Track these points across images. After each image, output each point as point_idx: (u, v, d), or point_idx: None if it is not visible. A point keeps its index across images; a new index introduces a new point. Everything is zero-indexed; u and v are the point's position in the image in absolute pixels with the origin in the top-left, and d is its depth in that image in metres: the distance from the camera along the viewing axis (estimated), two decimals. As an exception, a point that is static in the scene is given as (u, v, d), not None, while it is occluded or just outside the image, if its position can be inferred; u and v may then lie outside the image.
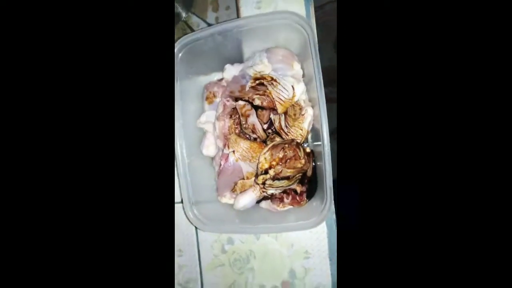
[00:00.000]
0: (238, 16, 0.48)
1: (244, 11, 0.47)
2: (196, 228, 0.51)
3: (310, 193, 0.43)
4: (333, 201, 0.44)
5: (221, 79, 0.45)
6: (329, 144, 0.35)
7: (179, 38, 0.40)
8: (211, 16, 0.60)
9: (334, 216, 0.45)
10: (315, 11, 0.45)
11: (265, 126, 0.41)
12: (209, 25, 0.57)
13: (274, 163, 0.37)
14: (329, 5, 0.77)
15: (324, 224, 0.45)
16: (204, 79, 0.47)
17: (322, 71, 0.35)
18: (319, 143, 0.37)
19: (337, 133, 0.24)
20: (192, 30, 0.58)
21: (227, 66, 0.44)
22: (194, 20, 0.58)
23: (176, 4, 0.59)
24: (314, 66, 0.34)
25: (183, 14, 0.58)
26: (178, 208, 0.51)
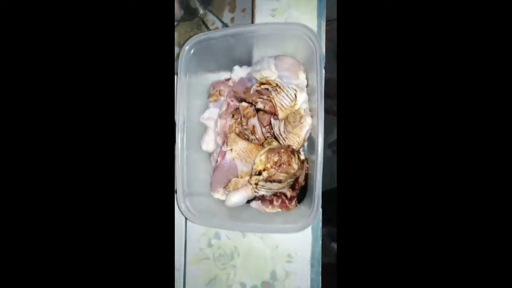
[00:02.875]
0: (252, 20, 0.50)
1: (259, 17, 0.49)
2: (186, 220, 0.52)
3: (300, 199, 0.44)
4: (320, 209, 0.45)
5: (229, 79, 0.46)
6: (323, 154, 0.37)
7: (193, 34, 0.42)
8: (227, 16, 0.61)
9: (320, 224, 0.46)
10: (330, 25, 0.46)
11: (265, 130, 0.43)
12: (224, 24, 0.58)
13: (268, 165, 0.39)
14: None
15: (309, 230, 0.46)
16: (212, 77, 0.48)
17: (329, 83, 0.36)
18: (313, 152, 0.38)
19: (337, 145, 0.24)
20: (207, 27, 0.60)
21: (236, 67, 0.45)
22: (210, 17, 0.60)
23: (194, 0, 0.61)
24: (317, 79, 0.36)
25: (200, 11, 0.60)
26: (171, 197, 0.53)
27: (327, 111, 0.36)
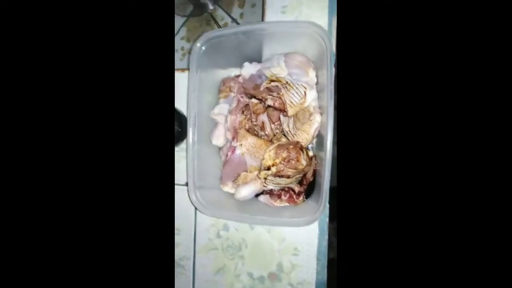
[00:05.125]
0: (263, 17, 0.50)
1: (269, 13, 0.49)
2: (195, 211, 0.54)
3: (308, 195, 0.45)
4: (327, 205, 0.46)
5: (238, 76, 0.47)
6: (332, 151, 0.37)
7: (202, 29, 0.42)
8: (236, 12, 0.62)
9: (327, 219, 0.47)
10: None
11: (274, 126, 0.44)
12: (234, 19, 0.59)
13: (277, 161, 0.40)
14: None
15: (316, 225, 0.47)
16: (222, 73, 0.49)
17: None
18: (322, 149, 0.39)
19: (337, 140, 0.24)
20: (216, 22, 0.60)
21: (246, 64, 0.46)
22: (219, 13, 0.60)
23: (205, -5, 0.61)
24: (328, 76, 0.36)
25: (210, 6, 0.60)
26: (182, 190, 0.54)
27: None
